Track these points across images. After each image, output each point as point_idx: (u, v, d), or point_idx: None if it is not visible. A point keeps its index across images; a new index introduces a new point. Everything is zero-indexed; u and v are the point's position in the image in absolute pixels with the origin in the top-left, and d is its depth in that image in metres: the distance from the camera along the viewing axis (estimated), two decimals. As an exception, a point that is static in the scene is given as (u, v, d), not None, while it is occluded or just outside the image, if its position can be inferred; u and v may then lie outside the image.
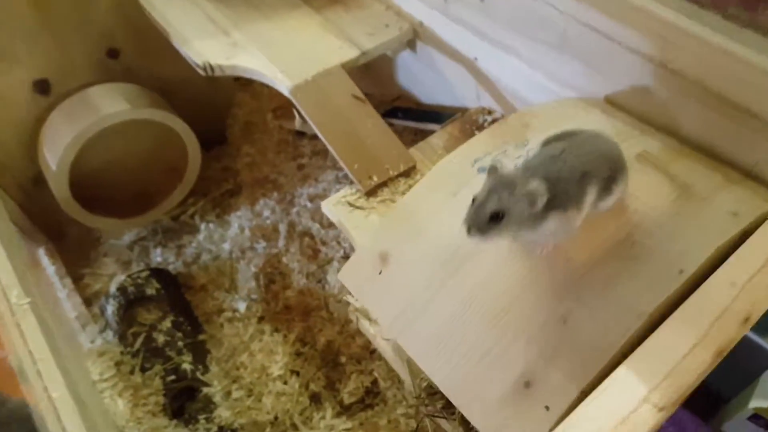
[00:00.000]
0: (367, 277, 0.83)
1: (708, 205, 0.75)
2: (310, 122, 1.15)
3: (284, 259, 1.44)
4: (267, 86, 1.75)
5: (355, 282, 0.84)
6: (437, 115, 1.30)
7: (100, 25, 1.45)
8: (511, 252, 0.74)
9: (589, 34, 0.93)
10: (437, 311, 0.75)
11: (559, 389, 0.67)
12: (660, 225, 0.74)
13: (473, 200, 0.65)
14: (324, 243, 1.44)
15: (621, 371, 0.58)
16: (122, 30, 1.50)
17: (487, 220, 0.63)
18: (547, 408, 0.67)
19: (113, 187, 1.58)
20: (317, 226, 1.46)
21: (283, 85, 1.18)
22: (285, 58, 1.22)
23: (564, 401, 0.66)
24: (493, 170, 0.65)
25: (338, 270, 1.40)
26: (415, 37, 1.31)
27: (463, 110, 1.26)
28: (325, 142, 1.13)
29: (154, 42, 1.54)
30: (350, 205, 1.10)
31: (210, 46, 1.24)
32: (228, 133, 1.77)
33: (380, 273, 0.82)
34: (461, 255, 0.76)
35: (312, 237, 1.45)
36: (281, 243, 1.46)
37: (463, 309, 0.73)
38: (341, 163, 1.12)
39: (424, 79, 1.37)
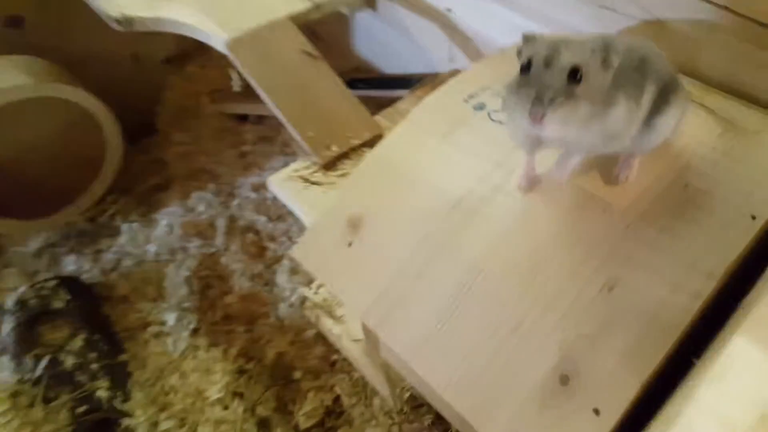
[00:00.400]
0: (333, 251, 0.62)
1: (764, 139, 0.59)
2: (250, 80, 0.94)
3: (223, 260, 1.21)
4: (202, 66, 1.55)
5: (316, 259, 0.63)
6: (404, 80, 1.11)
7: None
8: (531, 202, 0.55)
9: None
10: (432, 287, 0.55)
11: (612, 384, 0.47)
12: (713, 163, 0.56)
13: (527, 62, 0.48)
14: (271, 239, 1.22)
15: (740, 342, 0.38)
16: (23, -6, 1.26)
17: (565, 78, 0.47)
18: (596, 412, 0.47)
19: (14, 182, 1.33)
20: (263, 219, 1.24)
21: (218, 38, 0.96)
22: (222, 8, 1.02)
23: (620, 401, 0.47)
24: (531, 39, 0.49)
25: (289, 271, 1.18)
26: (375, -9, 1.12)
27: (434, 75, 1.08)
28: (271, 105, 0.93)
29: (66, 8, 1.31)
30: (304, 180, 0.89)
31: (128, -4, 1.02)
32: (157, 121, 1.53)
33: (350, 245, 0.61)
34: (465, 209, 0.56)
35: (257, 232, 1.23)
36: (219, 241, 1.24)
37: (470, 280, 0.53)
38: (291, 131, 0.92)
39: (387, 43, 1.18)
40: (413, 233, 0.57)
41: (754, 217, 0.52)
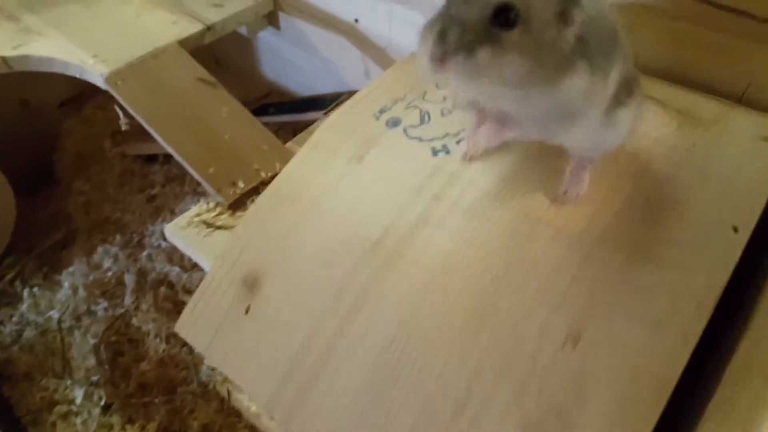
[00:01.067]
0: (226, 321, 0.50)
1: (726, 130, 0.51)
2: (136, 116, 0.81)
3: (134, 321, 1.07)
4: (101, 108, 1.41)
5: (205, 335, 0.51)
6: (319, 101, 1.01)
7: None
8: (466, 237, 0.44)
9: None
10: (350, 360, 0.43)
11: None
12: (677, 165, 0.47)
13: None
14: (188, 291, 1.08)
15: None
16: None
17: (489, 16, 0.35)
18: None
19: None
20: (177, 270, 1.10)
21: (95, 72, 0.84)
22: (99, 39, 0.89)
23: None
24: None
25: (211, 324, 1.05)
26: (275, 8, 1.02)
27: (351, 93, 0.98)
28: (162, 143, 0.80)
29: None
30: (207, 225, 0.77)
31: (-12, 35, 0.89)
32: (56, 170, 1.38)
33: (247, 311, 0.49)
34: (385, 251, 0.45)
35: (170, 285, 1.10)
36: (128, 299, 1.09)
37: (396, 347, 0.42)
38: (188, 168, 0.80)
39: (296, 63, 1.08)
40: (323, 289, 0.46)
41: (736, 229, 0.43)
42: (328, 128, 0.56)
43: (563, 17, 0.36)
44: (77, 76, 0.87)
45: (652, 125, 0.51)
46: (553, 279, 0.41)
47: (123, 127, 0.89)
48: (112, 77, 0.83)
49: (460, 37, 0.34)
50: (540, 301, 0.41)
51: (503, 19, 0.35)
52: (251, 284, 0.49)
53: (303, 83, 1.11)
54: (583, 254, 0.42)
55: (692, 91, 0.59)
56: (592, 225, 0.43)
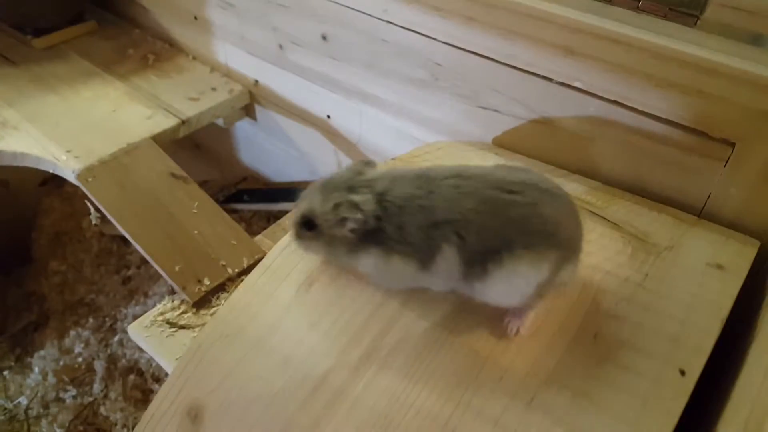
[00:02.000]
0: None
1: (679, 258, 0.51)
2: (106, 213, 0.82)
3: (102, 410, 1.05)
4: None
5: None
6: (291, 192, 1.02)
7: None
8: (411, 374, 0.44)
9: (470, 60, 0.70)
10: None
11: None
12: (628, 300, 0.48)
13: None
14: (156, 379, 1.07)
15: None
16: None
17: (299, 224, 0.52)
18: None
19: None
20: (146, 356, 1.09)
21: (68, 169, 0.85)
22: (74, 134, 0.91)
23: None
24: (361, 165, 0.53)
25: (181, 414, 1.02)
26: (252, 100, 1.04)
27: (323, 184, 0.99)
28: (129, 237, 0.81)
29: None
30: (171, 324, 0.77)
31: (-37, 129, 0.90)
32: (33, 249, 1.37)
33: (190, 443, 0.48)
34: (328, 391, 0.45)
35: (141, 374, 1.08)
36: (97, 387, 1.07)
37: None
38: (155, 265, 0.80)
39: (271, 151, 1.10)
40: (267, 427, 0.45)
41: (683, 372, 0.43)
42: (281, 250, 0.56)
43: (342, 222, 0.48)
44: (50, 171, 0.88)
45: (607, 252, 0.52)
46: (501, 424, 0.41)
47: (93, 221, 0.90)
48: (84, 173, 0.84)
49: (292, 232, 0.53)
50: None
51: (307, 225, 0.51)
52: (194, 417, 0.48)
53: (278, 170, 1.12)
54: (529, 398, 0.42)
55: (652, 208, 0.60)
56: (538, 365, 0.43)
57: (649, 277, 0.50)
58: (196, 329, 0.76)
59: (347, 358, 0.46)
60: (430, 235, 0.45)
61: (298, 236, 0.52)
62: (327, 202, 0.49)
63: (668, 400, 0.41)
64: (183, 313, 0.78)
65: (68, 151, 0.87)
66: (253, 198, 1.06)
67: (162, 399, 0.50)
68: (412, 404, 0.43)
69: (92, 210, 0.88)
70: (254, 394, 0.47)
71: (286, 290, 0.52)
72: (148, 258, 0.80)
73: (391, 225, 0.47)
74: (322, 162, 1.01)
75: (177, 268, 0.78)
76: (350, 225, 0.48)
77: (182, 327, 0.76)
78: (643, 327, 0.46)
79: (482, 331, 0.46)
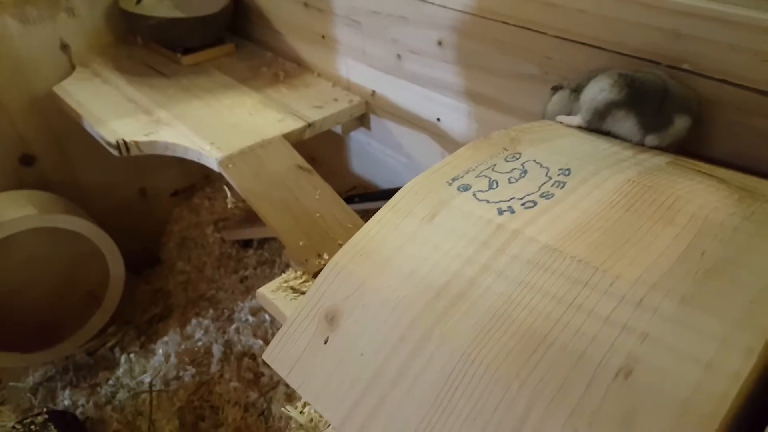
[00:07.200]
0: (307, 350, 0.56)
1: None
2: (242, 194, 0.93)
3: (217, 388, 1.13)
4: (208, 198, 1.57)
5: (288, 362, 0.57)
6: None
7: (10, 129, 1.28)
8: (526, 282, 0.49)
9: (579, 51, 0.77)
10: (415, 387, 0.48)
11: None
12: (733, 228, 0.51)
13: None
14: (268, 364, 1.14)
15: None
16: (38, 134, 1.33)
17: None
18: None
19: (16, 314, 1.31)
20: (260, 343, 1.18)
21: (211, 157, 0.97)
22: (216, 131, 1.04)
23: None
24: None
25: (285, 398, 1.09)
26: (368, 110, 1.14)
27: (430, 185, 1.06)
28: (261, 215, 0.91)
29: (76, 148, 1.38)
30: (294, 290, 0.85)
31: (127, 125, 1.05)
32: (162, 251, 1.53)
33: (326, 341, 0.55)
34: (450, 295, 0.51)
35: (254, 357, 1.16)
36: (214, 367, 1.16)
37: (458, 374, 0.46)
38: (281, 240, 0.89)
39: (381, 160, 1.19)
40: (394, 327, 0.51)
41: None
42: (405, 192, 0.63)
43: None
44: (195, 160, 1.01)
45: (713, 196, 0.55)
46: (609, 318, 0.45)
47: (229, 205, 1.01)
48: (225, 161, 0.96)
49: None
50: (595, 337, 0.44)
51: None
52: (331, 319, 0.55)
53: (386, 177, 1.21)
54: (638, 299, 0.46)
55: (749, 176, 0.63)
56: (648, 273, 0.47)
57: (756, 213, 0.52)
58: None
59: (466, 271, 0.52)
60: None
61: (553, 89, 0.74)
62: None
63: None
64: (304, 282, 0.86)
65: (212, 144, 1.00)
66: (363, 200, 1.15)
67: (303, 306, 0.58)
68: (526, 305, 0.48)
69: (229, 194, 1.00)
70: (383, 299, 0.53)
71: (411, 222, 0.59)
72: (276, 233, 0.90)
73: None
74: (430, 166, 1.09)
75: (300, 243, 0.87)
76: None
77: (303, 293, 0.84)
78: (750, 248, 0.49)
79: (596, 248, 0.50)
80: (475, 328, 0.48)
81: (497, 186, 0.59)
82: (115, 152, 1.02)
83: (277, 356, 0.58)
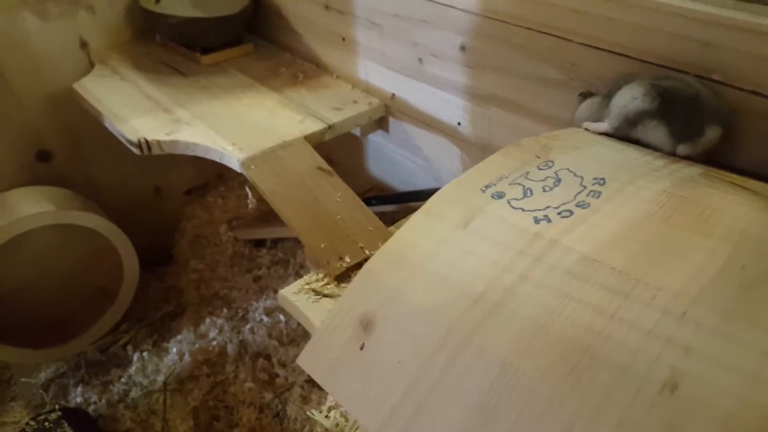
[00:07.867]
0: (343, 355, 0.56)
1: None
2: (264, 195, 0.93)
3: (232, 389, 1.13)
4: (221, 196, 1.57)
5: (323, 366, 0.57)
6: (418, 193, 1.10)
7: (27, 126, 1.28)
8: (565, 293, 0.49)
9: (605, 59, 0.77)
10: (455, 395, 0.48)
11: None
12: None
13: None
14: (283, 365, 1.15)
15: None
16: (54, 131, 1.33)
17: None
18: None
19: (29, 310, 1.31)
20: (275, 343, 1.18)
21: (233, 158, 0.97)
22: (237, 132, 1.04)
23: None
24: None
25: (300, 399, 1.09)
26: (387, 113, 1.15)
27: (449, 189, 1.07)
28: (282, 216, 0.91)
29: (92, 145, 1.38)
30: (315, 292, 0.85)
31: (148, 123, 1.05)
32: (175, 249, 1.53)
33: (362, 347, 0.55)
34: (488, 302, 0.51)
35: (268, 358, 1.17)
36: (229, 368, 1.16)
37: (500, 384, 0.47)
38: (303, 242, 0.89)
39: (398, 162, 1.19)
40: (431, 334, 0.52)
41: None
42: (439, 197, 0.63)
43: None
44: (217, 160, 1.01)
45: (747, 208, 0.56)
46: (652, 330, 0.45)
47: (250, 206, 1.01)
48: (247, 162, 0.97)
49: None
50: (638, 351, 0.44)
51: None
52: (366, 325, 0.55)
53: (404, 180, 1.21)
54: (681, 311, 0.46)
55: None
56: (689, 285, 0.47)
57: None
58: (337, 298, 0.83)
59: (504, 277, 0.52)
60: None
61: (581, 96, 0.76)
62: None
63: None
64: (326, 284, 0.86)
65: (233, 144, 1.00)
66: (380, 202, 1.15)
67: (336, 312, 0.58)
68: (567, 316, 0.48)
69: (250, 195, 1.00)
70: (418, 306, 0.53)
71: (444, 228, 0.59)
72: (298, 235, 0.90)
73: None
74: (448, 169, 1.09)
75: (322, 246, 0.87)
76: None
77: (325, 296, 0.84)
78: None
79: (635, 259, 0.51)
80: (515, 338, 0.48)
81: (531, 194, 0.60)
82: (136, 151, 1.02)
83: (311, 360, 0.58)
